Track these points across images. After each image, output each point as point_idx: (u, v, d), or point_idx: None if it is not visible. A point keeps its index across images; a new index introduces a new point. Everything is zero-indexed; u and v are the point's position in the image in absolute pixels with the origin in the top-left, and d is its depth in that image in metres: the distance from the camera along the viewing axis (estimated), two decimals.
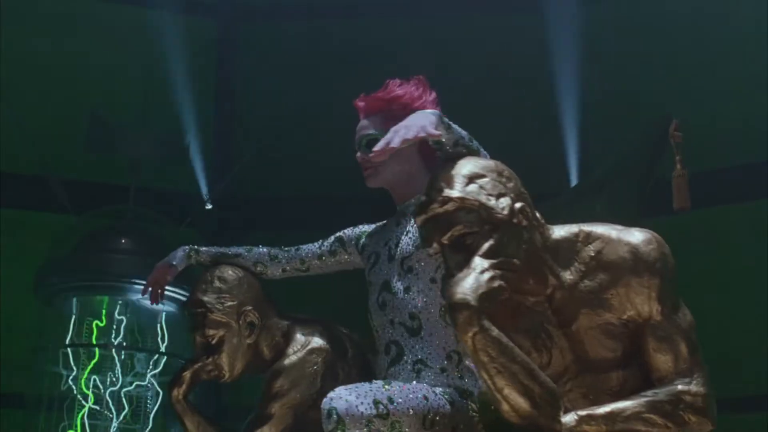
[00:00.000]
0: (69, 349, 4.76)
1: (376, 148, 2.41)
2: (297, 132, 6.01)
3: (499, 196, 2.33)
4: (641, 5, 5.91)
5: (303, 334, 3.18)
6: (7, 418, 5.22)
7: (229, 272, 3.20)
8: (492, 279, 2.23)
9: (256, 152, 5.64)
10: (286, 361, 3.11)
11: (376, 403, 2.46)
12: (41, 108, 5.65)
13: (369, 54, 5.70)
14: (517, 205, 2.32)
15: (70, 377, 4.77)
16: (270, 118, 6.10)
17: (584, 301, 2.36)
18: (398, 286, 2.89)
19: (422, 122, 2.39)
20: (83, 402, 4.71)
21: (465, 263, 2.26)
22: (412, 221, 2.95)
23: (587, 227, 2.41)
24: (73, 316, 4.83)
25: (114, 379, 4.70)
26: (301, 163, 5.97)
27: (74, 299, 4.80)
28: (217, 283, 3.16)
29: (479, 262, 2.25)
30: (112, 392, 4.68)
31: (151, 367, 4.85)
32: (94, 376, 4.76)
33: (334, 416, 2.39)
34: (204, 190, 5.75)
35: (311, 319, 3.26)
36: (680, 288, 2.95)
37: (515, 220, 2.30)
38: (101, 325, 4.78)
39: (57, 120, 5.68)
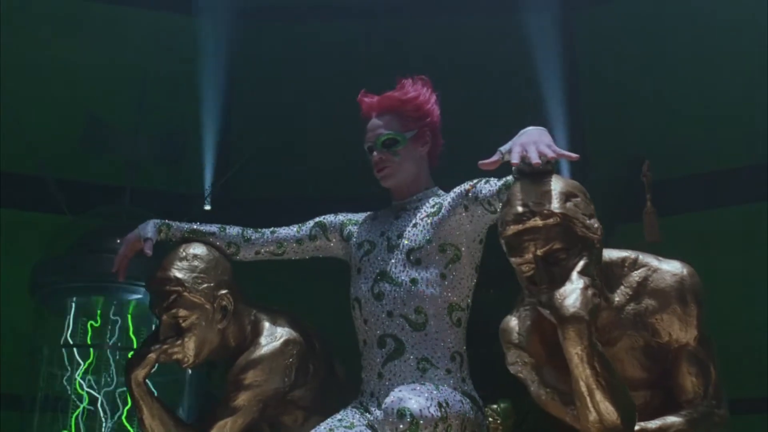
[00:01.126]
0: (64, 350, 4.74)
1: (515, 161, 2.42)
2: (296, 132, 5.99)
3: (590, 216, 2.47)
4: (640, 5, 5.89)
5: (273, 324, 3.03)
6: (3, 419, 5.19)
7: (205, 251, 3.03)
8: (595, 295, 2.36)
9: (254, 152, 5.61)
10: (262, 352, 2.95)
11: (440, 405, 2.47)
12: (37, 108, 5.63)
13: (368, 55, 5.68)
14: (600, 226, 2.49)
15: (65, 378, 4.75)
16: (268, 118, 6.08)
17: (629, 323, 2.54)
18: (403, 277, 2.84)
19: (547, 140, 2.49)
20: (78, 402, 4.69)
21: (560, 278, 2.38)
22: (420, 215, 2.94)
23: (632, 254, 2.59)
24: (69, 317, 4.81)
25: (109, 379, 4.67)
26: (300, 163, 5.95)
27: (69, 299, 4.77)
28: (194, 262, 2.98)
29: (580, 279, 2.36)
30: (107, 393, 4.65)
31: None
32: (89, 377, 4.75)
33: (408, 417, 2.37)
34: (203, 190, 5.72)
35: (275, 309, 3.12)
36: None
37: (596, 241, 2.47)
38: (96, 325, 4.76)
39: (53, 120, 5.66)
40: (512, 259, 2.48)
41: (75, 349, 4.73)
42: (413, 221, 2.95)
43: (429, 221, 2.92)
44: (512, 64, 5.82)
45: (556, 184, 2.47)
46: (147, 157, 5.20)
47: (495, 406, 2.82)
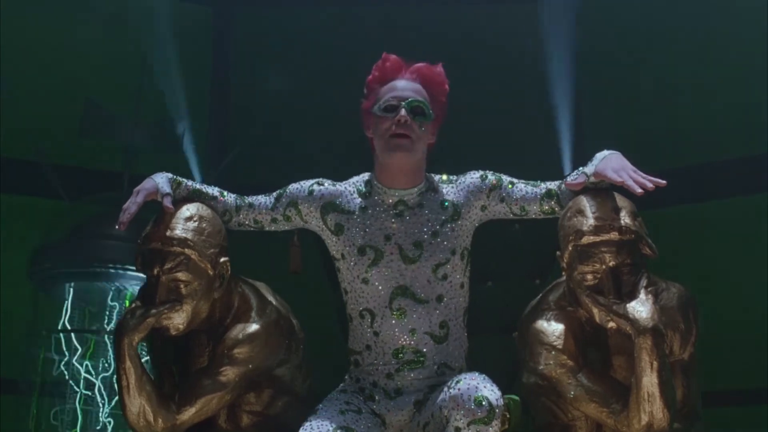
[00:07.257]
0: (62, 335, 4.74)
1: (633, 187, 2.56)
2: (293, 118, 5.97)
3: (648, 235, 2.63)
4: None
5: (261, 298, 2.86)
6: (1, 403, 5.19)
7: (211, 214, 2.82)
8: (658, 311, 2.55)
9: (250, 140, 5.60)
10: (258, 327, 2.78)
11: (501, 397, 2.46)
12: (35, 93, 5.61)
13: (366, 42, 5.65)
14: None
15: (63, 363, 4.76)
16: (266, 105, 6.07)
17: None
18: (428, 294, 2.75)
19: (631, 166, 2.64)
20: (75, 388, 4.70)
21: (629, 291, 2.56)
22: (435, 220, 2.77)
23: (644, 269, 2.68)
24: (66, 302, 4.81)
25: (106, 365, 4.67)
26: (297, 152, 5.94)
27: (67, 285, 4.77)
28: (202, 224, 2.76)
29: (648, 294, 2.56)
30: (104, 378, 4.66)
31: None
32: (87, 362, 4.75)
33: (486, 405, 2.37)
34: (198, 177, 5.70)
35: (253, 281, 2.95)
36: (680, 280, 2.96)
37: (650, 258, 2.63)
38: (94, 310, 4.76)
39: (51, 105, 5.64)
40: (581, 267, 2.59)
41: (73, 335, 4.73)
42: (429, 228, 2.77)
43: (449, 227, 2.78)
44: (510, 54, 5.81)
45: (624, 202, 2.63)
46: (145, 143, 5.18)
47: (506, 400, 2.82)
